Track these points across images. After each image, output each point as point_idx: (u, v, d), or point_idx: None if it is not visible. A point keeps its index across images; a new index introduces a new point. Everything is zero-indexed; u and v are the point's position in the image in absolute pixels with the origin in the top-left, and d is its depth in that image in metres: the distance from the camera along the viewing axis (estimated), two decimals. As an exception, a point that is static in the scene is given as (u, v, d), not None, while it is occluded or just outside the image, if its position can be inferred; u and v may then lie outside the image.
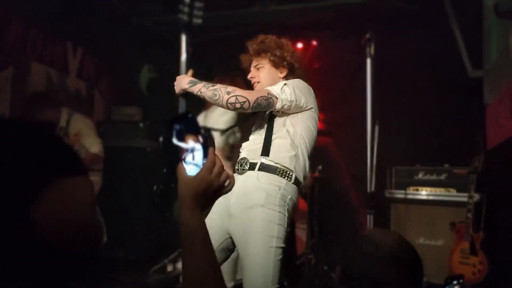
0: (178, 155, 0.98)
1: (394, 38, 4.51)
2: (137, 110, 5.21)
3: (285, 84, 2.04)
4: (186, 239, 1.01)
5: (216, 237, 1.91)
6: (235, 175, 2.05)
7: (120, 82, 5.68)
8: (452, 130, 4.48)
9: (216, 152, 1.03)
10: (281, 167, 1.96)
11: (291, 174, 1.96)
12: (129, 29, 5.43)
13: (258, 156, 2.01)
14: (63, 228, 0.70)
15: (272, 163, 1.97)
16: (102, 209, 0.81)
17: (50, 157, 0.73)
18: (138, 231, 4.65)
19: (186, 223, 1.01)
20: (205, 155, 0.99)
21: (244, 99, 1.94)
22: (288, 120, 2.06)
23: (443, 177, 4.07)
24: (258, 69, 2.18)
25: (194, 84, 2.03)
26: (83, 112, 4.38)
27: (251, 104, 1.95)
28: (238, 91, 1.97)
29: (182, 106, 2.24)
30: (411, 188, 4.15)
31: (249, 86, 2.25)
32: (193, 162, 0.99)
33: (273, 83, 2.11)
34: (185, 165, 0.99)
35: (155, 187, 2.37)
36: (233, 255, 2.10)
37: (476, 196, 3.66)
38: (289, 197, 1.95)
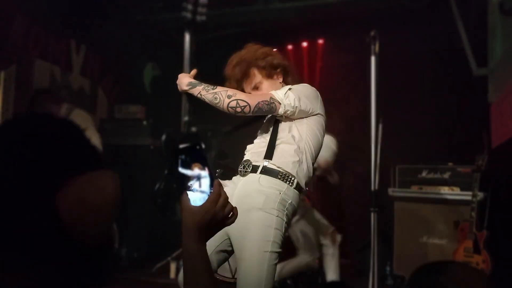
0: (178, 158, 0.98)
1: (398, 36, 4.50)
2: (140, 108, 5.21)
3: (290, 89, 2.01)
4: (189, 271, 1.04)
5: (214, 238, 1.91)
6: (238, 176, 2.05)
7: (123, 79, 5.68)
8: (456, 128, 4.47)
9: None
10: (284, 171, 1.94)
11: (293, 179, 1.94)
12: (132, 27, 5.43)
13: (261, 159, 1.99)
14: (86, 219, 0.70)
15: (274, 167, 1.95)
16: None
17: (76, 149, 0.74)
18: (141, 228, 4.66)
19: (188, 253, 1.04)
20: (211, 185, 1.00)
21: (245, 103, 1.93)
22: (294, 124, 2.03)
23: (446, 175, 4.07)
24: (257, 88, 2.13)
25: (194, 86, 2.01)
26: (86, 109, 4.38)
27: (252, 109, 1.93)
28: (239, 95, 1.95)
29: (184, 105, 2.22)
30: (415, 186, 4.14)
31: None
32: (199, 190, 1.00)
33: (279, 88, 2.08)
34: (190, 193, 1.00)
35: (156, 187, 2.36)
36: None
37: (480, 195, 3.65)
38: (289, 202, 1.92)
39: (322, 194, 4.44)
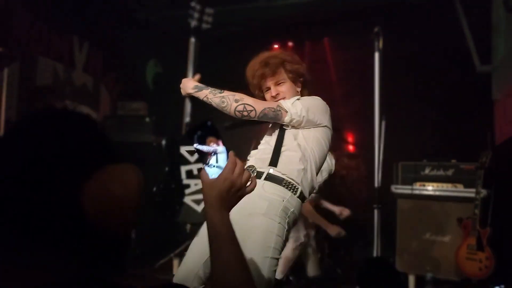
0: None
1: (401, 33, 4.48)
2: (143, 104, 5.21)
3: (298, 99, 2.02)
4: (214, 240, 1.04)
5: None
6: None
7: (126, 76, 5.69)
8: (459, 125, 4.46)
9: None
10: (288, 179, 1.93)
11: (297, 187, 1.93)
12: (135, 24, 5.43)
13: (266, 166, 1.98)
14: (111, 212, 0.71)
15: (279, 174, 1.94)
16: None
17: (98, 142, 0.74)
18: (144, 225, 4.66)
19: (212, 225, 1.04)
20: (226, 158, 1.05)
21: (252, 108, 1.94)
22: (300, 133, 2.02)
23: (450, 172, 4.05)
24: (279, 84, 2.13)
25: (200, 89, 2.01)
26: (89, 107, 4.39)
27: (258, 114, 1.95)
28: (247, 99, 1.96)
29: (188, 106, 2.23)
30: (418, 183, 4.13)
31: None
32: (216, 165, 1.05)
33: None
34: (208, 169, 1.05)
35: (155, 188, 2.36)
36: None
37: (484, 192, 3.64)
38: (292, 210, 1.91)
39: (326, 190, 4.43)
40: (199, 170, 1.07)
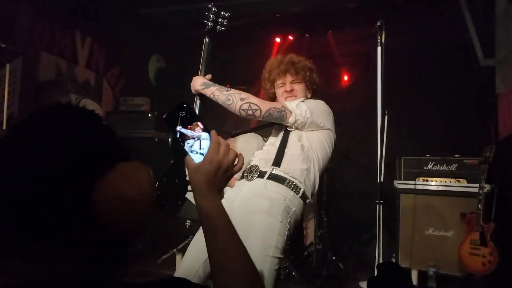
0: (184, 151, 0.97)
1: (404, 27, 4.45)
2: (145, 100, 5.21)
3: (302, 101, 2.06)
4: (208, 228, 0.97)
5: None
6: (243, 180, 2.04)
7: (128, 72, 5.68)
8: (463, 119, 4.43)
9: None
10: (291, 178, 1.94)
11: (299, 187, 1.94)
12: (137, 19, 5.42)
13: (269, 166, 2.00)
14: (123, 209, 0.70)
15: (282, 174, 1.96)
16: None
17: (108, 141, 0.74)
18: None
19: (204, 212, 0.97)
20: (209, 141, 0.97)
21: (257, 107, 1.96)
22: (304, 135, 2.06)
23: (453, 167, 4.04)
24: (295, 83, 2.22)
25: (208, 86, 2.04)
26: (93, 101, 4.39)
27: (262, 113, 1.96)
28: (252, 99, 1.98)
29: (196, 105, 2.25)
30: (421, 178, 4.12)
31: None
32: (200, 151, 0.97)
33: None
34: (192, 155, 0.97)
35: (157, 183, 2.36)
36: None
37: (487, 187, 3.62)
38: (293, 210, 1.92)
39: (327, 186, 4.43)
40: (184, 156, 1.00)
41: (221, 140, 1.00)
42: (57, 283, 0.65)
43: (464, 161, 3.99)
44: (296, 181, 1.95)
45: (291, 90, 2.20)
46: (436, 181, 4.05)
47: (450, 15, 4.47)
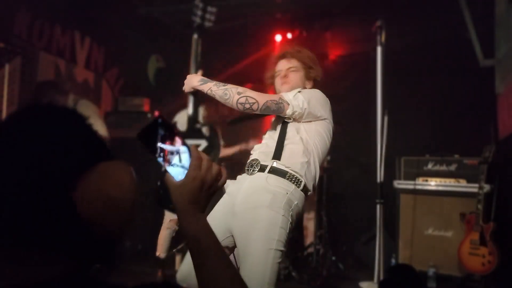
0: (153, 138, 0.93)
1: (404, 26, 4.45)
2: (144, 100, 5.20)
3: (299, 92, 2.05)
4: (196, 252, 0.92)
5: (217, 235, 1.89)
6: (244, 175, 2.05)
7: (127, 72, 5.68)
8: (462, 120, 4.43)
9: None
10: (292, 172, 1.95)
11: (300, 180, 1.95)
12: (137, 19, 5.41)
13: (270, 159, 2.00)
14: (105, 208, 0.70)
15: (283, 167, 1.96)
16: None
17: (89, 141, 0.73)
18: (145, 220, 4.67)
19: (190, 234, 0.92)
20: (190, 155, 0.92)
21: (254, 100, 1.96)
22: (302, 127, 2.05)
23: (453, 167, 4.04)
24: (292, 71, 2.21)
25: (205, 82, 2.05)
26: (90, 101, 4.39)
27: (260, 106, 1.96)
28: (249, 92, 1.98)
29: (191, 102, 2.26)
30: (421, 178, 4.12)
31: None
32: (180, 165, 0.92)
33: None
34: (172, 169, 0.92)
35: (158, 182, 2.35)
36: None
37: (487, 187, 3.62)
38: (295, 203, 1.93)
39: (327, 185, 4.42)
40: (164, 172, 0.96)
41: (202, 154, 0.95)
42: (44, 285, 0.65)
43: (464, 161, 3.99)
44: (297, 175, 1.95)
45: (285, 76, 2.19)
46: (436, 181, 4.05)
47: (450, 15, 4.47)
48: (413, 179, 4.12)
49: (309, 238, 4.50)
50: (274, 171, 1.96)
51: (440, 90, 4.64)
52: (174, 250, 4.22)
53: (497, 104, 4.16)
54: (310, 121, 2.05)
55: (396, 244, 4.08)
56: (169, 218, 3.56)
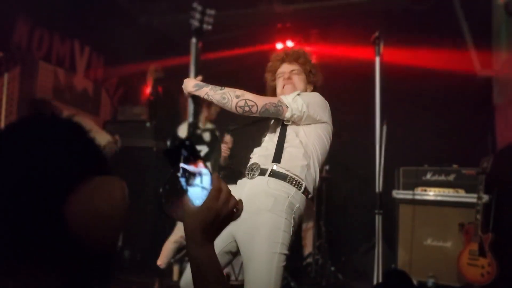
0: (181, 158, 0.95)
1: (402, 37, 4.48)
2: (143, 109, 5.21)
3: (298, 95, 2.05)
4: (197, 277, 0.94)
5: (220, 240, 1.89)
6: (244, 179, 2.05)
7: (127, 81, 5.69)
8: (460, 130, 4.44)
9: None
10: (292, 175, 1.94)
11: (301, 183, 1.94)
12: (136, 29, 5.44)
13: (269, 163, 1.99)
14: (94, 227, 0.69)
15: (283, 171, 1.95)
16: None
17: (84, 155, 0.72)
18: (144, 230, 4.65)
19: (194, 259, 0.94)
20: (210, 181, 0.93)
21: (253, 103, 1.96)
22: (302, 129, 2.05)
23: (451, 177, 4.04)
24: (294, 73, 2.21)
25: (201, 87, 2.04)
26: (89, 111, 4.39)
27: (259, 109, 1.97)
28: (248, 95, 1.98)
29: (190, 108, 2.24)
30: (419, 188, 4.12)
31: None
32: (200, 185, 0.93)
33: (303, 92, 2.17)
34: (191, 189, 0.93)
35: (161, 189, 2.35)
36: None
37: (485, 197, 3.62)
38: (297, 206, 1.92)
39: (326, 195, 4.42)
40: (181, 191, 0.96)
41: (223, 185, 0.95)
42: None
43: (462, 171, 4.00)
44: (297, 178, 1.95)
45: (289, 78, 2.19)
46: (435, 191, 4.05)
47: (448, 26, 4.50)
48: (412, 189, 4.12)
49: (308, 248, 4.49)
50: (274, 174, 1.95)
51: (438, 100, 4.66)
52: (171, 260, 4.20)
53: (495, 115, 4.17)
54: (309, 124, 2.05)
55: (396, 254, 4.07)
56: (181, 233, 3.54)
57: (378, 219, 3.16)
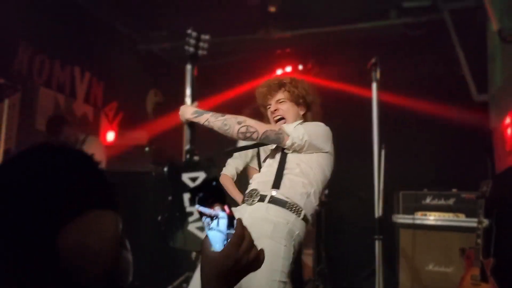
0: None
1: (399, 63, 4.54)
2: (143, 134, 5.23)
3: (300, 124, 2.08)
4: None
5: None
6: (244, 205, 2.04)
7: (126, 106, 5.73)
8: (459, 154, 4.45)
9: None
10: (291, 202, 1.95)
11: (300, 210, 1.94)
12: (136, 55, 5.51)
13: (269, 189, 2.00)
14: (85, 259, 0.70)
15: (282, 197, 1.95)
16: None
17: (86, 188, 0.73)
18: (143, 256, 4.59)
19: None
20: (231, 224, 0.89)
21: (254, 129, 1.98)
22: (303, 158, 2.05)
23: (451, 202, 4.02)
24: (280, 103, 2.20)
25: (200, 114, 2.06)
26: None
27: (260, 135, 1.98)
28: (249, 121, 2.00)
29: (187, 134, 2.25)
30: (419, 213, 4.09)
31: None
32: (217, 229, 0.88)
33: (296, 119, 2.16)
34: (209, 232, 0.88)
35: (159, 217, 2.35)
36: None
37: (485, 222, 3.59)
38: (297, 233, 1.92)
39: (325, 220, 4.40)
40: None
41: (247, 233, 0.90)
42: None
43: (462, 195, 3.99)
44: (296, 205, 1.95)
45: (276, 110, 2.18)
46: (435, 215, 4.03)
47: (443, 51, 4.57)
48: (412, 213, 4.10)
49: (308, 273, 4.43)
50: (274, 201, 1.95)
51: (436, 125, 4.69)
52: (169, 287, 4.15)
53: (493, 139, 4.19)
54: (311, 153, 2.05)
55: (397, 280, 4.01)
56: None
57: (377, 245, 3.14)
